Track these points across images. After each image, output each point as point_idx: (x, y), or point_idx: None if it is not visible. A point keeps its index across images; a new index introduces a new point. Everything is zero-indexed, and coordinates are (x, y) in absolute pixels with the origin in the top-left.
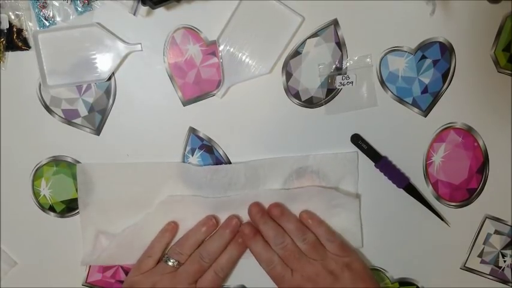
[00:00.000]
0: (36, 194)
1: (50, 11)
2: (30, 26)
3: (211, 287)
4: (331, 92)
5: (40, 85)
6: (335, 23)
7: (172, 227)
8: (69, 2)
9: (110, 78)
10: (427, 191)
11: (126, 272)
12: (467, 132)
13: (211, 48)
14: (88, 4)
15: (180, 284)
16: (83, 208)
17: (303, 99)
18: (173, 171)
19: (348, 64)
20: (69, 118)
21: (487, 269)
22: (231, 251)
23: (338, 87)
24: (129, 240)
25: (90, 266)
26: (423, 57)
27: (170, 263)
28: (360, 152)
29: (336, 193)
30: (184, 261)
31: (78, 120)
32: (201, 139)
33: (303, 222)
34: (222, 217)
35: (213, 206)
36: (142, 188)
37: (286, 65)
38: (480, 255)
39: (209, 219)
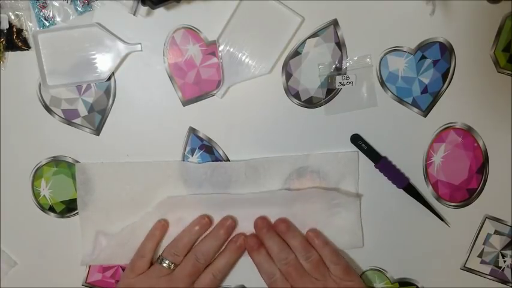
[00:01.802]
0: (36, 194)
1: (50, 11)
2: (30, 26)
3: None
4: (331, 92)
5: (40, 85)
6: (335, 23)
7: (162, 225)
8: (69, 2)
9: (109, 78)
10: (427, 191)
11: None
12: (467, 132)
13: (211, 48)
14: (88, 4)
15: (178, 286)
16: (82, 208)
17: (302, 99)
18: (173, 171)
19: (347, 64)
20: (69, 118)
21: (487, 269)
22: (229, 254)
23: (338, 87)
24: (128, 240)
25: (90, 266)
26: (423, 57)
27: (165, 265)
28: (359, 152)
29: (336, 193)
30: (179, 263)
31: (78, 120)
32: (201, 139)
33: (308, 240)
34: (222, 216)
35: (213, 205)
36: (142, 187)
37: (286, 65)
38: (480, 256)
39: (202, 218)
